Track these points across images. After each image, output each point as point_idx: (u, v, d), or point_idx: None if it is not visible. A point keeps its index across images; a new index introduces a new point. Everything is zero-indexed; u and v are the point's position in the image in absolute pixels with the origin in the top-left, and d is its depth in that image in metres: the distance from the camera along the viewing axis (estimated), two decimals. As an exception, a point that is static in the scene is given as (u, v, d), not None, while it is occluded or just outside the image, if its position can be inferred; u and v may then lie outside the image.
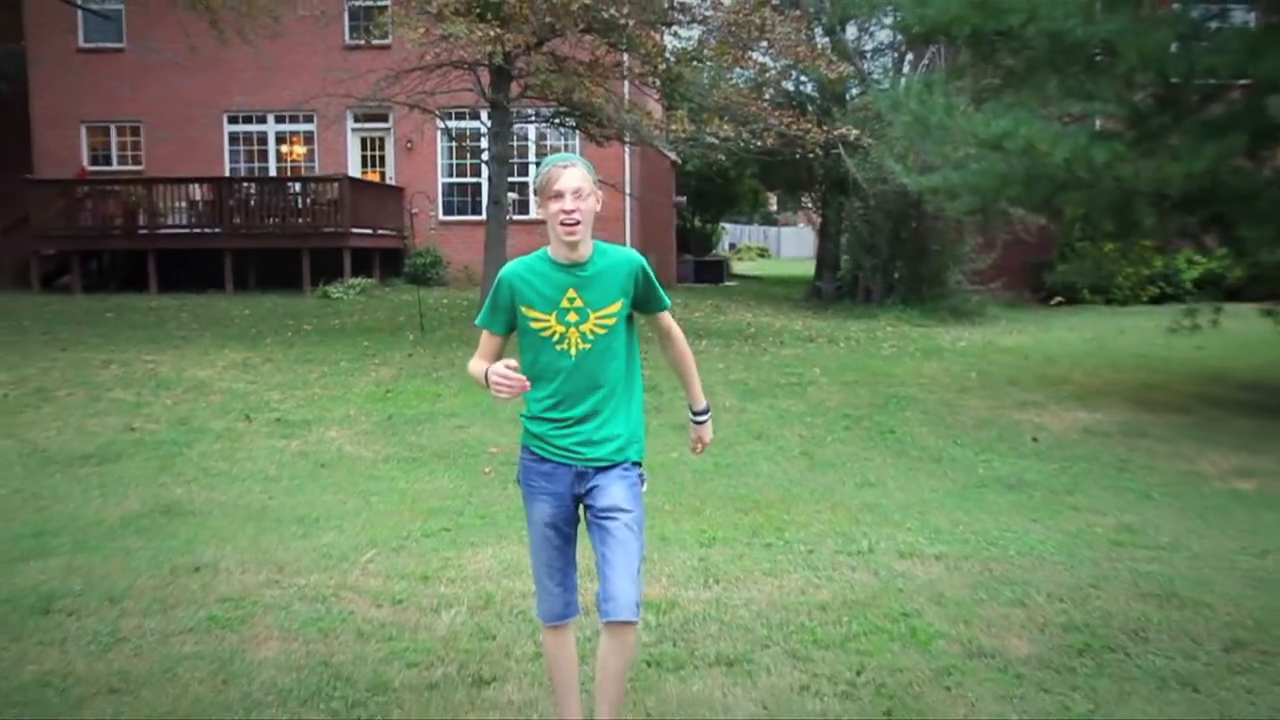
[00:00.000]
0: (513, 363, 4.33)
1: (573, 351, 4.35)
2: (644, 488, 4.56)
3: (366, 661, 5.78)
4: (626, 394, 4.50)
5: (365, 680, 5.54)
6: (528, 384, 4.30)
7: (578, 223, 4.22)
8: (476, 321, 4.61)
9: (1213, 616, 6.49)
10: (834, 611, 6.52)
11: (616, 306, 4.36)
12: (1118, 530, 8.44)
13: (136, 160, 30.32)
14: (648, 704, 5.24)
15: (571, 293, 4.32)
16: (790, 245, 69.43)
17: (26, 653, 5.99)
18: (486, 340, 4.54)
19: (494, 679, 5.55)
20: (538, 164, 22.58)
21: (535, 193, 4.39)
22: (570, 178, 4.21)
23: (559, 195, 4.19)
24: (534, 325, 4.36)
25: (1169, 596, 6.81)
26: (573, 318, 4.33)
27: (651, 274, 4.47)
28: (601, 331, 4.34)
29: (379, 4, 24.28)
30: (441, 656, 5.81)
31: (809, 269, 36.39)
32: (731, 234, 62.12)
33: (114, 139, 30.68)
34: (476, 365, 4.52)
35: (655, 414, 12.96)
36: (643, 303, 4.48)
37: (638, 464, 4.55)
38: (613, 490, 4.38)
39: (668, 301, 4.57)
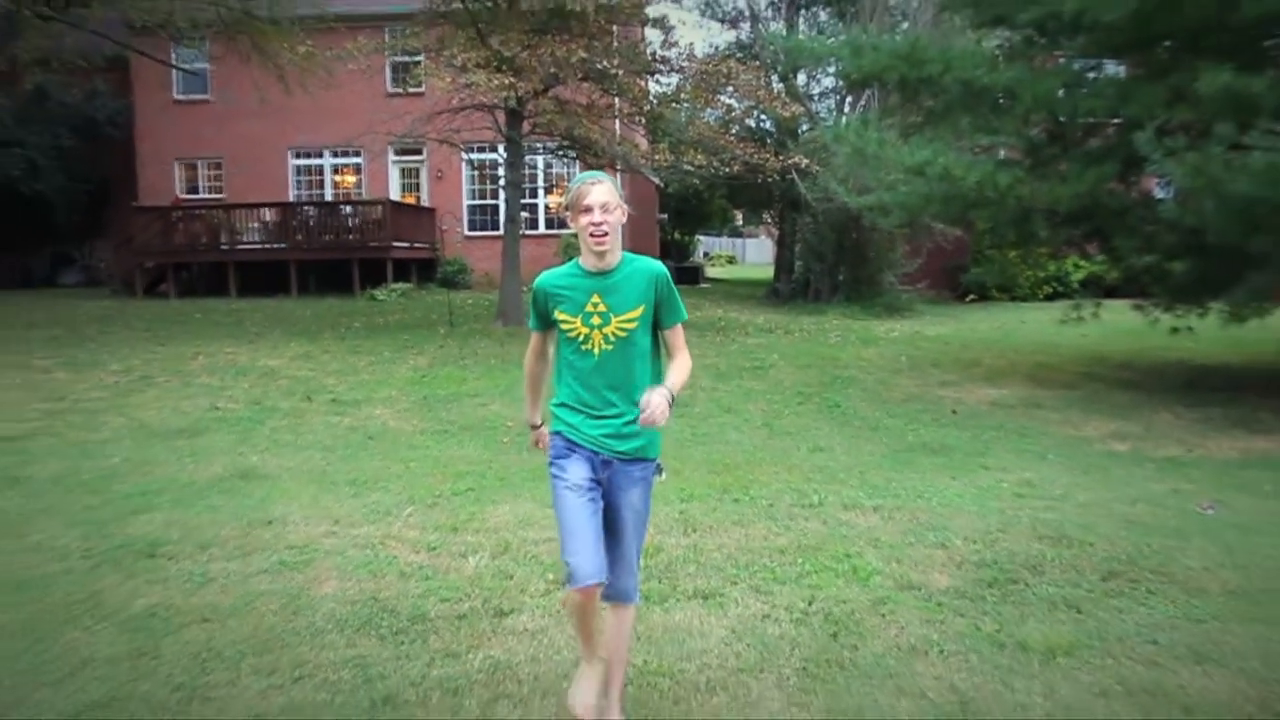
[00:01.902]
0: (545, 439, 4.31)
1: (596, 351, 4.09)
2: (661, 477, 4.38)
3: (408, 597, 5.80)
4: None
5: (407, 612, 5.56)
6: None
7: (606, 234, 4.02)
8: (529, 325, 4.37)
9: (1094, 552, 6.52)
10: (790, 554, 6.54)
11: (638, 312, 4.10)
12: (1020, 485, 8.46)
13: (219, 189, 30.32)
14: (638, 630, 5.25)
15: (596, 298, 4.08)
16: (754, 253, 69.29)
17: (137, 589, 6.02)
18: (533, 338, 4.35)
19: (512, 610, 5.57)
20: (548, 189, 22.86)
21: (566, 208, 4.16)
22: (598, 193, 4.02)
23: (588, 209, 4.01)
24: (563, 326, 4.13)
25: (1060, 537, 6.84)
26: (596, 320, 4.08)
27: (672, 284, 4.20)
28: (622, 334, 4.09)
29: (414, 59, 24.16)
30: (469, 593, 5.83)
31: (769, 273, 36.34)
32: (705, 244, 62.04)
33: (201, 173, 30.72)
34: (530, 367, 4.42)
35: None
36: (660, 310, 4.18)
37: (655, 460, 4.30)
38: (632, 492, 4.17)
39: (684, 314, 4.27)
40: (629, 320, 4.09)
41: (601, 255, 4.06)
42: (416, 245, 27.74)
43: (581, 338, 4.09)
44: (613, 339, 4.08)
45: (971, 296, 29.71)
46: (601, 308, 4.07)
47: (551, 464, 4.18)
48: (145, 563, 6.50)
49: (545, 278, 4.21)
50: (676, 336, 4.24)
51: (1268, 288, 12.09)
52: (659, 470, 4.33)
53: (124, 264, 27.72)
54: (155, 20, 22.85)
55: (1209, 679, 4.75)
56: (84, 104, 29.81)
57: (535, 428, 4.52)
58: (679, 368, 4.19)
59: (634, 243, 30.01)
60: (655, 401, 3.84)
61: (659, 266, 4.18)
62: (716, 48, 31.06)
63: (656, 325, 4.20)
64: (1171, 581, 6.02)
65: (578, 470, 4.10)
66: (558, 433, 4.21)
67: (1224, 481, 8.67)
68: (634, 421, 4.00)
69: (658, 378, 4.17)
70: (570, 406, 4.18)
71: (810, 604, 5.63)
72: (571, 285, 4.11)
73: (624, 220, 4.12)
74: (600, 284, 4.09)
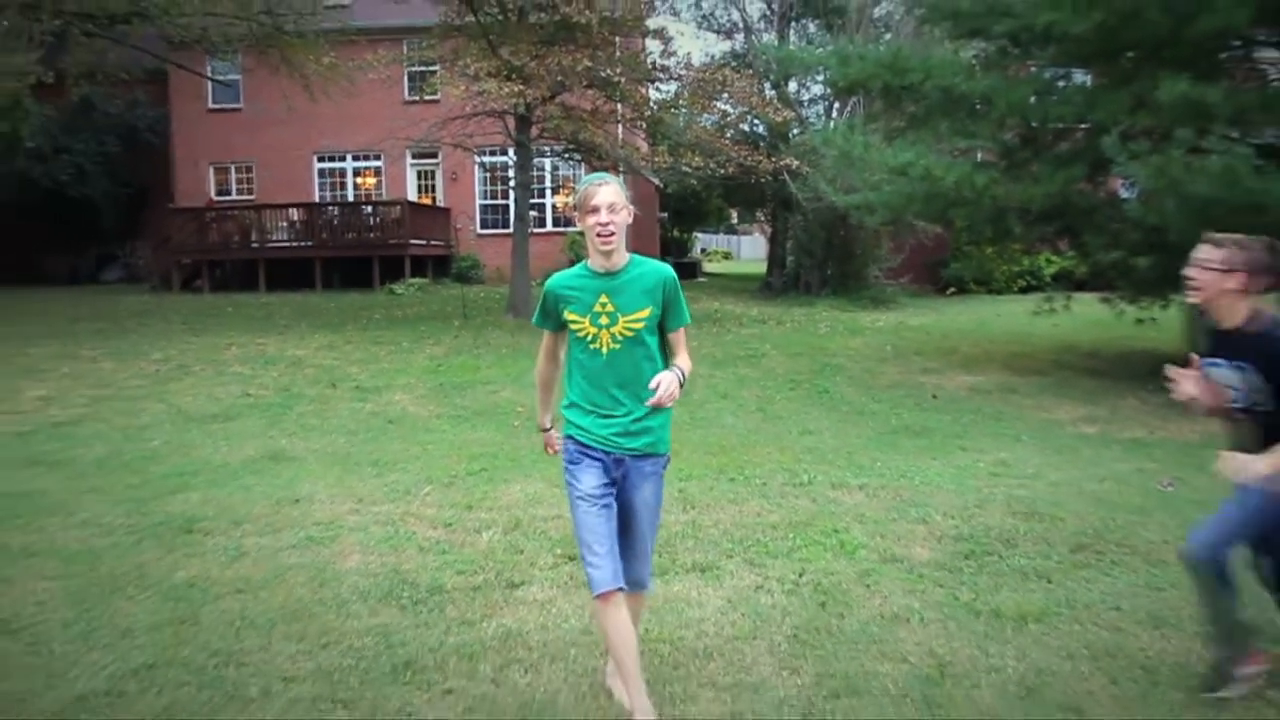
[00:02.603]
0: (555, 444, 4.24)
1: (604, 350, 3.94)
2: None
3: (426, 570, 5.83)
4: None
5: (425, 584, 5.59)
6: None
7: (612, 233, 3.86)
8: (533, 322, 4.22)
9: (1064, 527, 6.56)
10: (782, 530, 6.57)
11: (645, 313, 3.93)
12: (995, 464, 8.48)
13: (249, 191, 30.30)
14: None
15: (604, 298, 3.92)
16: (748, 249, 69.12)
17: (177, 561, 6.06)
18: (545, 338, 4.19)
19: (523, 582, 5.59)
20: (555, 189, 22.88)
21: (575, 209, 4.03)
22: (605, 194, 3.85)
23: (595, 209, 3.84)
24: (573, 326, 3.98)
25: (1032, 513, 6.87)
26: (604, 320, 3.92)
27: (679, 288, 4.04)
28: (630, 334, 3.92)
29: (430, 69, 24.17)
30: (482, 566, 5.86)
31: (762, 268, 36.26)
32: (702, 241, 61.94)
33: (233, 176, 30.71)
34: (541, 369, 4.27)
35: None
36: (667, 313, 4.01)
37: (665, 455, 4.17)
38: (644, 487, 4.04)
39: (688, 318, 4.10)
40: (636, 321, 3.93)
41: (608, 255, 3.92)
42: (432, 243, 27.72)
43: (590, 337, 3.95)
44: (620, 338, 3.93)
45: (951, 289, 29.66)
46: (610, 308, 3.92)
47: (565, 469, 4.08)
48: (184, 538, 6.54)
49: (555, 279, 4.09)
50: (680, 339, 4.12)
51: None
52: (665, 463, 4.20)
53: (162, 261, 27.75)
54: (192, 35, 22.99)
55: (1166, 642, 4.78)
56: (126, 113, 29.87)
57: (545, 431, 4.37)
58: (683, 359, 4.09)
59: (635, 240, 29.98)
60: (667, 380, 3.81)
61: (667, 270, 4.03)
62: (712, 57, 31.00)
63: (663, 328, 4.06)
64: (1134, 553, 6.05)
65: (590, 478, 3.97)
66: (570, 437, 4.08)
67: (1184, 461, 8.68)
68: (643, 418, 3.97)
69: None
70: (580, 407, 4.05)
71: (800, 576, 5.66)
72: (580, 286, 3.98)
73: (630, 220, 3.97)
74: (608, 284, 3.94)
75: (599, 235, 3.87)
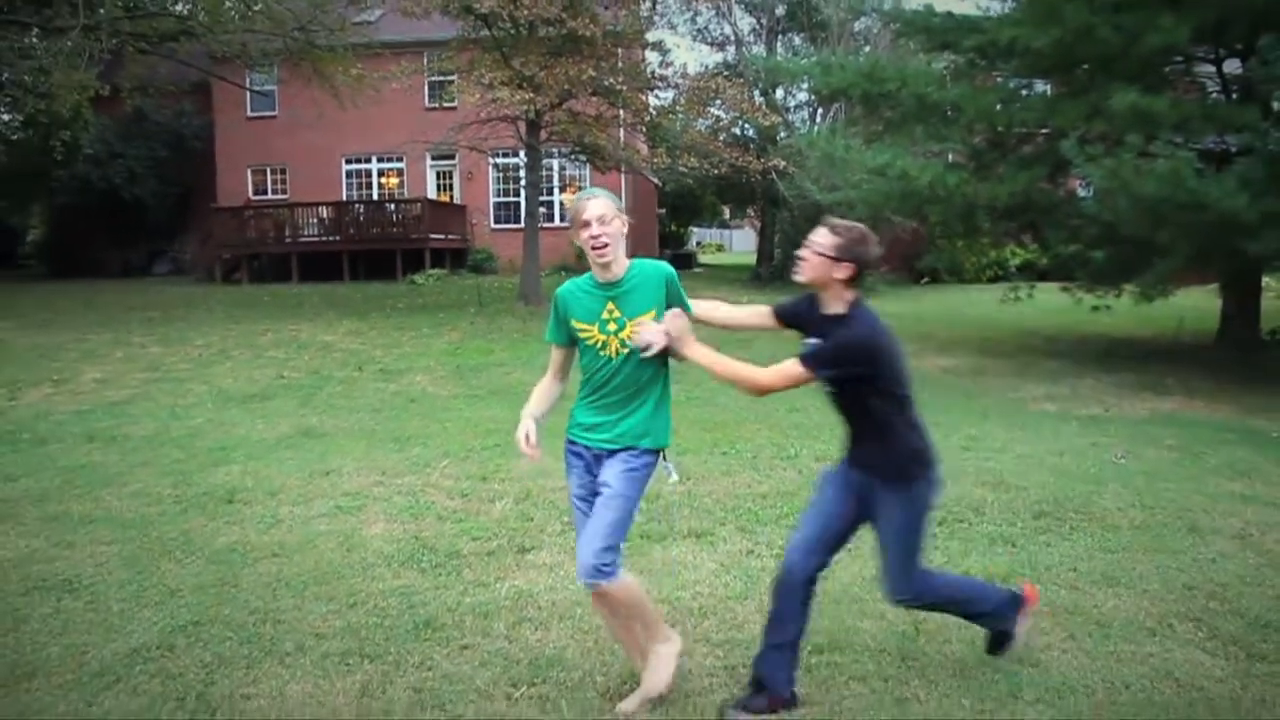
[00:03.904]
0: (533, 434, 3.78)
1: (613, 356, 3.69)
2: (672, 478, 3.90)
3: (444, 536, 5.83)
4: (660, 391, 3.80)
5: (444, 549, 5.59)
6: (537, 457, 3.77)
7: (606, 245, 3.61)
8: (545, 338, 3.92)
9: (1028, 496, 6.56)
10: (771, 499, 6.57)
11: (651, 315, 3.67)
12: (966, 439, 8.48)
13: (284, 191, 30.24)
14: (641, 564, 5.29)
15: (610, 305, 3.68)
16: (739, 242, 68.94)
17: (219, 529, 6.07)
18: (553, 353, 3.89)
19: (533, 548, 5.60)
20: (562, 188, 22.85)
21: (569, 225, 3.78)
22: (594, 207, 3.62)
23: (586, 224, 3.60)
24: (581, 335, 3.72)
25: (999, 483, 6.87)
26: (612, 327, 3.67)
27: (679, 283, 3.77)
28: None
29: (448, 79, 24.08)
30: (496, 532, 5.86)
31: (752, 259, 36.25)
32: (697, 235, 61.86)
33: (269, 177, 30.64)
34: (543, 383, 3.92)
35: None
36: (670, 308, 3.73)
37: (652, 451, 3.79)
38: (608, 470, 3.71)
39: (689, 307, 3.84)
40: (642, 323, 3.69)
41: (606, 266, 3.68)
42: (450, 237, 27.68)
43: (599, 344, 3.70)
44: (629, 344, 3.67)
45: (925, 279, 29.63)
46: (616, 314, 3.68)
47: (566, 469, 3.91)
48: (225, 507, 6.55)
49: (565, 286, 3.84)
50: None
51: (1170, 273, 12.15)
52: (657, 460, 3.83)
53: (205, 256, 27.75)
54: (233, 51, 23.12)
55: (1118, 599, 4.79)
56: (174, 122, 29.88)
57: (528, 418, 3.87)
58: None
59: (636, 235, 29.96)
60: (652, 327, 3.65)
61: (666, 268, 3.77)
62: (706, 67, 30.78)
63: None
64: (1090, 519, 6.06)
65: (575, 481, 3.83)
66: (568, 439, 3.86)
67: (1135, 436, 8.70)
68: (640, 417, 3.76)
69: (667, 376, 3.83)
70: (583, 408, 3.81)
71: (788, 541, 5.66)
72: (587, 295, 3.74)
73: (625, 230, 3.72)
74: (613, 293, 3.69)
75: (593, 249, 3.65)
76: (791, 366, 3.65)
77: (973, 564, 5.24)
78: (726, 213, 59.05)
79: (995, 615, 4.02)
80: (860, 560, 5.34)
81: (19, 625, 4.60)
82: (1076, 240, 14.26)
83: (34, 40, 22.63)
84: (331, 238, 26.48)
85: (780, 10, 31.03)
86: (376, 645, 4.34)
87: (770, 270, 29.65)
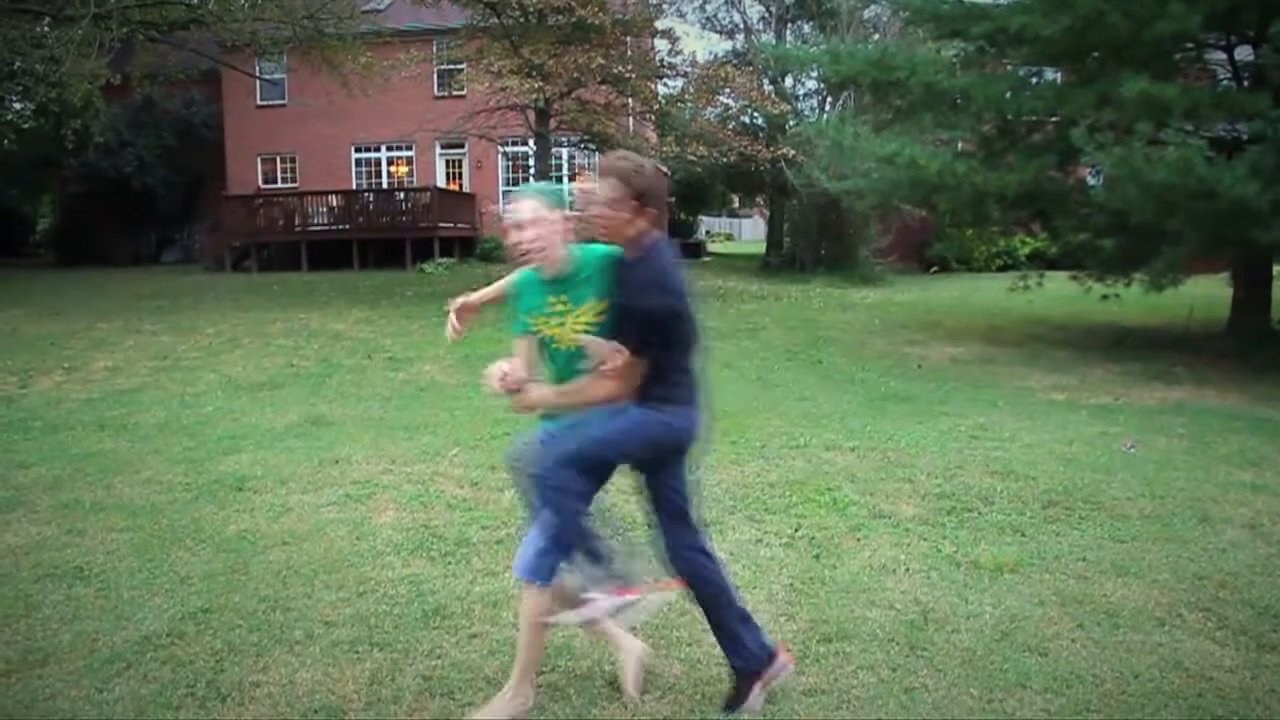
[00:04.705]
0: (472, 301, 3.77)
1: (563, 347, 3.54)
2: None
3: (454, 525, 5.83)
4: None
5: (453, 537, 5.59)
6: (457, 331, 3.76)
7: (525, 252, 3.45)
8: (511, 330, 3.72)
9: (1036, 485, 6.54)
10: (780, 488, 6.55)
11: (603, 305, 3.49)
12: (975, 428, 8.45)
13: (293, 180, 30.28)
14: (650, 553, 5.28)
15: (557, 297, 3.52)
16: (748, 231, 68.84)
17: (229, 517, 6.08)
18: (518, 344, 3.70)
19: (544, 535, 5.60)
20: (571, 176, 22.83)
21: None
22: (514, 214, 3.46)
23: (506, 231, 3.50)
24: (535, 327, 3.58)
25: (1008, 473, 6.85)
26: (561, 320, 3.52)
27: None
28: (591, 330, 3.47)
29: (457, 67, 24.10)
30: (505, 521, 5.85)
31: (761, 248, 36.19)
32: (706, 224, 61.78)
33: (278, 166, 30.68)
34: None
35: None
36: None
37: None
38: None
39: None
40: (593, 313, 3.50)
41: (540, 269, 3.53)
42: (459, 226, 27.61)
43: (551, 338, 3.57)
44: (579, 334, 3.50)
45: (935, 268, 29.56)
46: (562, 305, 3.53)
47: None
48: (235, 495, 6.56)
49: (520, 276, 3.67)
50: None
51: (1180, 261, 12.10)
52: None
53: (215, 244, 27.76)
54: (242, 39, 23.10)
55: (1127, 589, 4.77)
56: (183, 110, 29.91)
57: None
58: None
59: (646, 223, 29.96)
60: (490, 368, 3.53)
61: (611, 250, 3.51)
62: (715, 55, 30.84)
63: None
64: (1099, 509, 6.03)
65: None
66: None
67: (1144, 425, 8.67)
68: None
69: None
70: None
71: (796, 530, 5.65)
72: (538, 288, 3.58)
73: (559, 228, 3.49)
74: (560, 288, 3.54)
75: (520, 256, 3.50)
76: (622, 359, 3.38)
77: (982, 553, 5.22)
78: (735, 202, 58.98)
79: (740, 639, 3.75)
80: (868, 549, 5.35)
81: (31, 612, 4.62)
82: (1086, 229, 14.21)
83: (45, 29, 22.61)
84: (341, 226, 26.47)
85: (789, -2, 30.96)
86: (386, 633, 4.35)
87: (780, 259, 29.62)
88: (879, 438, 8.06)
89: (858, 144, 14.57)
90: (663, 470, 3.69)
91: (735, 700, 3.69)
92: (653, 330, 3.36)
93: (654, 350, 3.38)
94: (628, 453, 3.57)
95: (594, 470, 3.51)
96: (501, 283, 3.81)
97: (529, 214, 3.47)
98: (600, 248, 3.56)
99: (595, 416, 3.46)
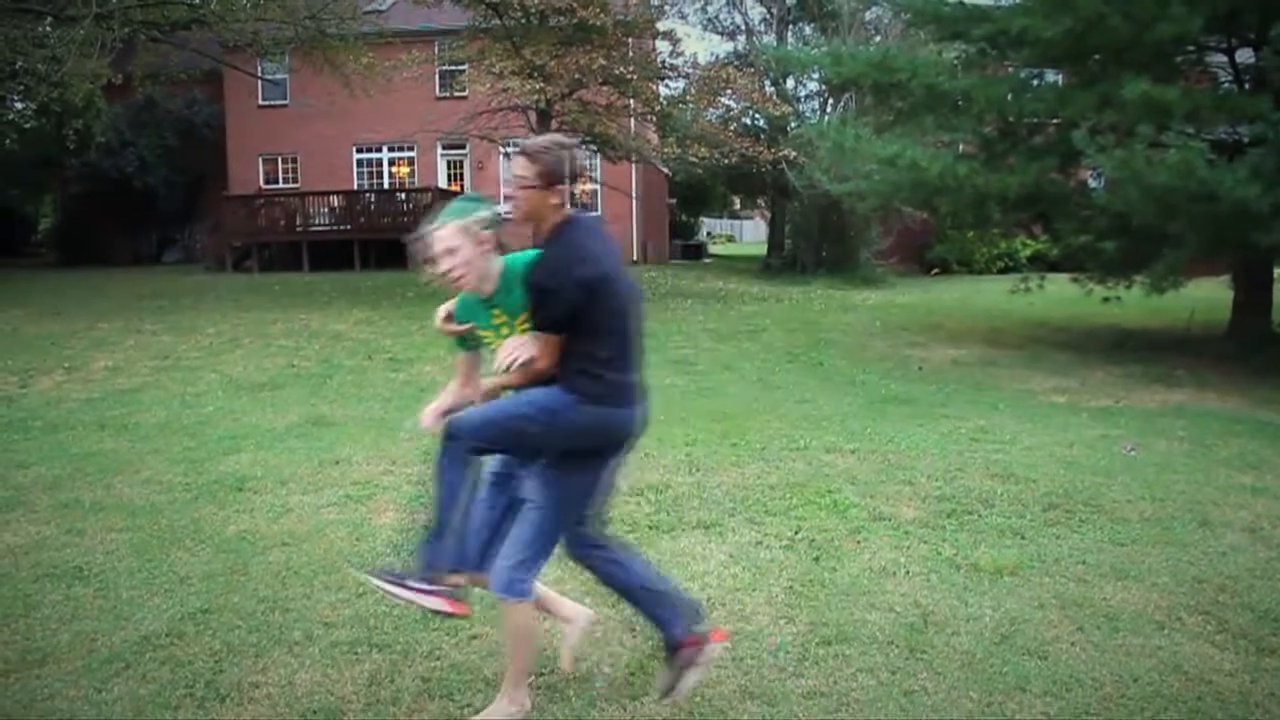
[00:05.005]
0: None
1: None
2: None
3: (456, 525, 5.83)
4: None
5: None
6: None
7: (452, 281, 3.42)
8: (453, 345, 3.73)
9: (1036, 488, 6.53)
10: (780, 490, 6.54)
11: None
12: (975, 431, 8.44)
13: (294, 180, 30.28)
14: (650, 555, 5.28)
15: (497, 311, 3.49)
16: (749, 233, 68.85)
17: (229, 517, 6.07)
18: (458, 358, 3.75)
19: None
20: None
21: None
22: (432, 244, 3.42)
23: (429, 262, 3.43)
24: (486, 341, 3.57)
25: (1008, 475, 6.84)
26: (505, 331, 3.48)
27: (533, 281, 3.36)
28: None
29: (459, 68, 24.11)
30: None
31: (762, 249, 36.21)
32: (707, 225, 61.80)
33: (280, 166, 30.69)
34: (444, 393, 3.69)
35: (651, 352, 12.96)
36: None
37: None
38: (528, 482, 3.55)
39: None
40: (527, 320, 3.43)
41: (472, 291, 3.50)
42: (461, 227, 27.69)
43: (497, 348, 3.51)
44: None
45: (935, 270, 29.56)
46: (501, 319, 3.50)
47: None
48: (235, 495, 6.56)
49: (459, 298, 3.62)
50: None
51: (1181, 264, 12.10)
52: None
53: (216, 244, 27.75)
54: (244, 39, 23.09)
55: (1127, 592, 4.77)
56: (185, 110, 29.92)
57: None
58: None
59: (647, 225, 30.08)
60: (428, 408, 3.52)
61: (526, 268, 3.41)
62: (717, 56, 30.90)
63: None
64: (1100, 512, 6.03)
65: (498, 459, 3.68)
66: None
67: (1145, 428, 8.66)
68: None
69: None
70: None
71: (796, 533, 5.65)
72: (478, 305, 3.54)
73: (485, 245, 3.44)
74: (495, 301, 3.49)
75: (449, 284, 3.46)
76: (525, 354, 3.35)
77: (982, 555, 5.22)
78: (736, 203, 59.03)
79: (661, 605, 3.71)
80: (868, 552, 5.35)
81: (30, 612, 4.62)
82: (1087, 231, 14.21)
83: (47, 29, 22.63)
84: (342, 226, 26.47)
85: (791, 0, 30.95)
86: (385, 634, 4.35)
87: (781, 261, 29.65)
88: (879, 440, 8.05)
89: (859, 146, 14.57)
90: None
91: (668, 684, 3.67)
92: (561, 309, 3.27)
93: (566, 330, 3.29)
94: (535, 435, 3.40)
95: (496, 449, 3.50)
96: (448, 305, 3.71)
97: (445, 243, 3.42)
98: (531, 251, 3.48)
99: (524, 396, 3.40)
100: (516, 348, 3.35)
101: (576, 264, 3.28)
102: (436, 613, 3.50)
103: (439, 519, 3.46)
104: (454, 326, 3.63)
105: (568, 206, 3.38)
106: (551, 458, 3.47)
